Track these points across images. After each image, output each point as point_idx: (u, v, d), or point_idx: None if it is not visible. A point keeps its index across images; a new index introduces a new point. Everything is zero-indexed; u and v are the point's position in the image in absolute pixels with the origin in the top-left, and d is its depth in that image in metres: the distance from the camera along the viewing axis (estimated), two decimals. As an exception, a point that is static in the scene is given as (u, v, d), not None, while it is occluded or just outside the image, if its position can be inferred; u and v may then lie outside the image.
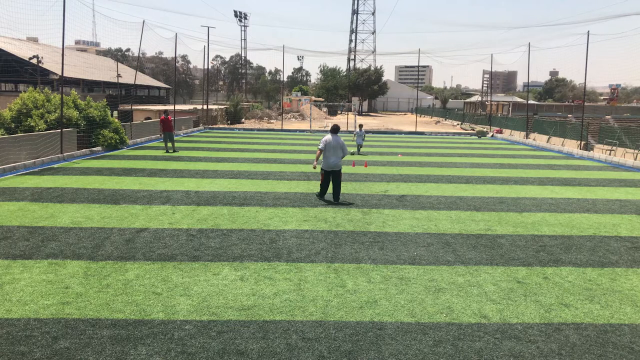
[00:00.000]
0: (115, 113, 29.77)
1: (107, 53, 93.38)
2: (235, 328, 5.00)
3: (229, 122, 43.44)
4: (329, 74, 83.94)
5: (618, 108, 67.36)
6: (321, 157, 11.03)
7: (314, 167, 11.26)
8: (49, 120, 17.85)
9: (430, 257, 7.36)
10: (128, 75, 50.00)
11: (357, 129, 22.37)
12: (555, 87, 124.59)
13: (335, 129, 11.13)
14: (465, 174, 16.24)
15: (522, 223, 9.62)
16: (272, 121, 49.27)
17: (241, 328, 5.01)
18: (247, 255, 7.21)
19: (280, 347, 4.65)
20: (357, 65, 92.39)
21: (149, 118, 35.04)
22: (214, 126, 37.65)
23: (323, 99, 72.90)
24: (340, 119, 54.77)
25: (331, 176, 10.91)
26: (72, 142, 18.30)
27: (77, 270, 6.47)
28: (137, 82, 37.79)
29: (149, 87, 64.04)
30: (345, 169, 14.72)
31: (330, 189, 11.21)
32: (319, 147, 10.91)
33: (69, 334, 4.79)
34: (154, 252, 7.27)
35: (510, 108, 60.72)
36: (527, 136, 32.28)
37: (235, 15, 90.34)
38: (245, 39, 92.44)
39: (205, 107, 38.47)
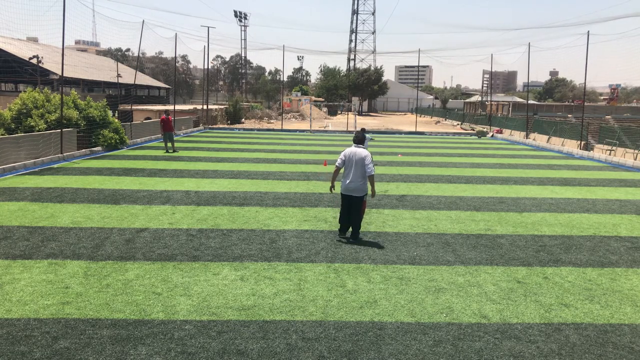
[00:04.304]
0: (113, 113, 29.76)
1: (107, 53, 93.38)
2: (235, 328, 5.00)
3: (229, 122, 43.44)
4: (329, 74, 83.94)
5: (618, 108, 67.33)
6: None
7: (332, 191, 8.48)
8: (49, 120, 17.86)
9: (430, 257, 7.36)
10: (128, 75, 49.99)
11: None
12: (555, 87, 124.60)
13: (359, 139, 8.13)
14: (465, 174, 16.24)
15: (522, 223, 9.62)
16: (272, 121, 49.26)
17: (241, 328, 5.01)
18: (247, 255, 7.22)
19: (280, 347, 4.65)
20: (357, 65, 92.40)
21: (148, 118, 35.03)
22: (214, 126, 37.65)
23: (323, 99, 72.86)
24: (340, 119, 54.78)
25: (348, 203, 8.06)
26: (72, 142, 18.30)
27: (77, 270, 6.47)
28: (137, 82, 37.80)
29: (149, 87, 64.02)
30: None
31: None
32: (337, 163, 8.12)
33: (69, 334, 4.79)
34: (154, 252, 7.27)
35: (510, 108, 60.70)
36: (527, 136, 32.28)
37: (235, 15, 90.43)
38: (245, 39, 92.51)
39: (205, 107, 38.47)
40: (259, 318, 5.23)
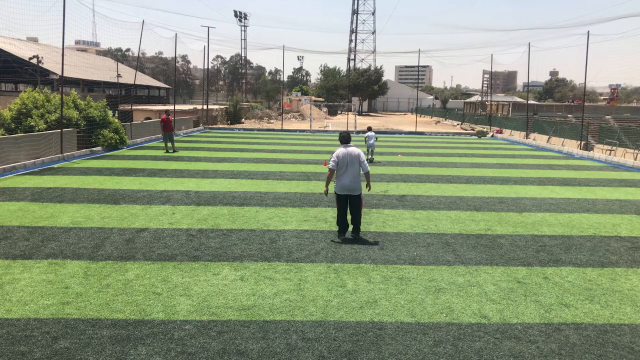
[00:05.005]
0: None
1: (107, 53, 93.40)
2: (235, 328, 5.00)
3: (229, 122, 43.45)
4: (329, 74, 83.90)
5: (618, 108, 67.35)
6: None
7: (326, 194, 8.61)
8: (49, 120, 17.86)
9: (430, 257, 7.36)
10: (128, 75, 49.98)
11: (368, 132, 19.15)
12: (555, 87, 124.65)
13: (345, 139, 8.30)
14: (465, 174, 16.24)
15: (522, 223, 9.62)
16: (272, 121, 49.26)
17: (241, 328, 5.01)
18: (247, 255, 7.22)
19: (280, 347, 4.65)
20: (357, 65, 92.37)
21: (149, 118, 35.02)
22: (214, 126, 37.65)
23: (323, 99, 72.80)
24: (341, 119, 54.78)
25: (348, 202, 8.23)
26: (72, 142, 18.30)
27: (77, 270, 6.47)
28: (137, 82, 37.81)
29: (149, 87, 64.02)
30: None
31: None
32: (330, 166, 8.17)
33: (69, 334, 4.79)
34: (154, 252, 7.27)
35: (510, 108, 60.67)
36: (527, 136, 32.28)
37: (235, 16, 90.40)
38: (245, 39, 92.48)
39: (205, 107, 38.48)
40: (259, 318, 5.23)
